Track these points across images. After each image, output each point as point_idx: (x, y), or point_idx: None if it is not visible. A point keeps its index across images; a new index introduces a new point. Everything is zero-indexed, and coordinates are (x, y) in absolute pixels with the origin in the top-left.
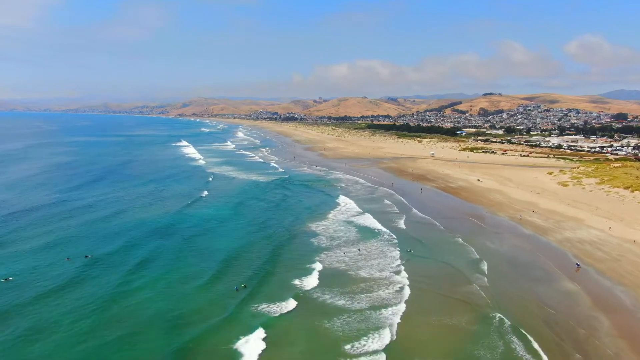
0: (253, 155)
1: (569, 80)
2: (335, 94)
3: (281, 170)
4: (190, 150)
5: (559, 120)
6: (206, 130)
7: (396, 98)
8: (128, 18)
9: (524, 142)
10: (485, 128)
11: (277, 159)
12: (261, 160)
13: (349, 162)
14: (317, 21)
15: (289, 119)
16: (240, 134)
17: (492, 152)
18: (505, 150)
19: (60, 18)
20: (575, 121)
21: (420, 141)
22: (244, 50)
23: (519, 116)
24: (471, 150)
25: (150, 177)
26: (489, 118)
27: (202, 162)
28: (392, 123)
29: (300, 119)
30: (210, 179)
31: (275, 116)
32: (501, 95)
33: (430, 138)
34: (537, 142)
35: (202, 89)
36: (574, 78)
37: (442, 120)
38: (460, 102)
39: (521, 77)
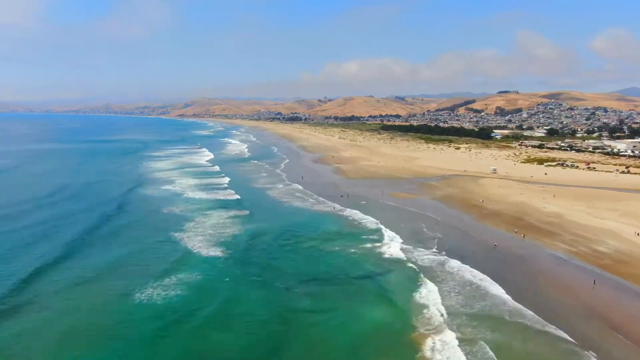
0: (243, 174)
1: (581, 78)
2: (341, 93)
3: (280, 207)
4: (164, 165)
5: (587, 119)
6: (201, 133)
7: (404, 97)
8: (128, 14)
9: (594, 149)
10: (512, 128)
11: (273, 185)
12: (252, 186)
13: (382, 185)
14: (327, 18)
15: (293, 119)
16: (235, 139)
17: (574, 165)
18: (589, 163)
19: (58, 15)
20: (606, 120)
21: (457, 148)
22: (251, 48)
23: (541, 115)
24: (539, 162)
25: (93, 241)
26: (508, 117)
27: (173, 188)
28: (408, 124)
29: (305, 119)
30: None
31: (278, 116)
32: (517, 93)
33: (467, 143)
34: (613, 149)
35: (206, 89)
36: (589, 75)
37: (457, 119)
38: (474, 101)
39: (531, 75)
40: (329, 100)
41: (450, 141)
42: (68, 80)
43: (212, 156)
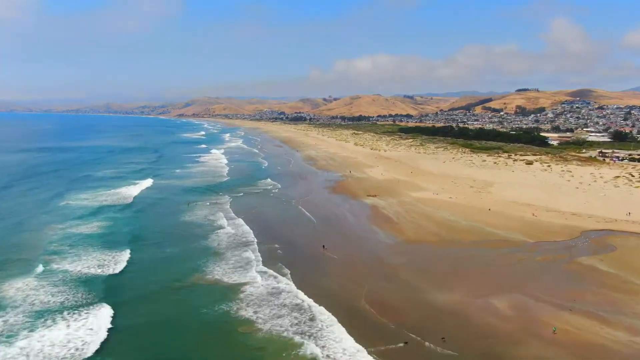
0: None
1: (594, 76)
2: (347, 92)
3: None
4: (87, 203)
5: (624, 119)
6: (189, 136)
7: (412, 96)
8: (127, 8)
9: None
10: (547, 130)
11: (249, 290)
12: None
13: (495, 277)
14: (337, 13)
15: (297, 119)
16: (223, 147)
17: None
18: None
19: (56, 8)
20: None
21: (528, 162)
22: (257, 45)
23: (568, 115)
24: None
25: None
26: (532, 117)
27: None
28: (431, 125)
29: (310, 119)
30: None
31: (281, 116)
32: (538, 91)
33: (534, 154)
34: None
35: (211, 87)
36: (603, 73)
37: (475, 120)
38: (490, 99)
39: (542, 73)
40: (335, 99)
41: (505, 150)
42: (69, 80)
43: (175, 181)
